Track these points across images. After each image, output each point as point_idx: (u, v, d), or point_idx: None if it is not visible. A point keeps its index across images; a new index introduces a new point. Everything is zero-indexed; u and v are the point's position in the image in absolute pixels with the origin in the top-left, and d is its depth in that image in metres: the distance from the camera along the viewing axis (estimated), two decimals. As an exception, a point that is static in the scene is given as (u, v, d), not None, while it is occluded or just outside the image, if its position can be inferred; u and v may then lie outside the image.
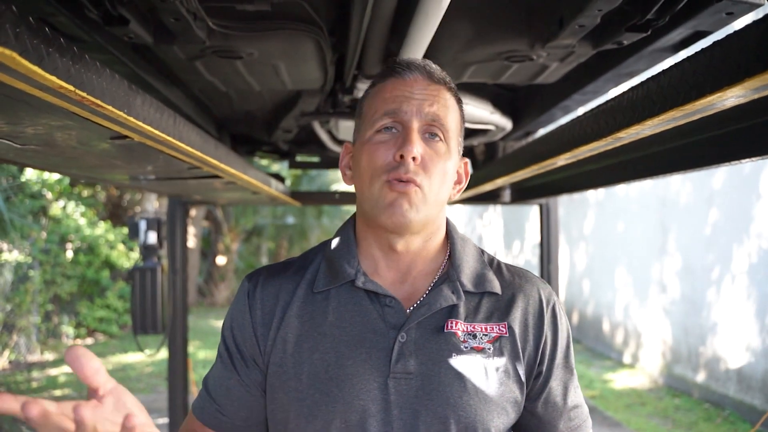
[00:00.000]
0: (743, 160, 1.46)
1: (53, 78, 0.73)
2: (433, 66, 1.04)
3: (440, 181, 1.00)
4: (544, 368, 1.04)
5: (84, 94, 0.81)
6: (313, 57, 1.69)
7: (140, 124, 1.05)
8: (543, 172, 2.20)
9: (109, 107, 0.90)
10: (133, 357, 8.54)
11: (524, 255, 11.20)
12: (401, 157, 0.96)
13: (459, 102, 1.07)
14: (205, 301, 14.45)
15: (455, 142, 1.03)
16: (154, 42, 1.39)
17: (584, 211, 9.23)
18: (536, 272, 2.72)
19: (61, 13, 1.33)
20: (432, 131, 1.00)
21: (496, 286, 1.06)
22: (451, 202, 1.09)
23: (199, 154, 1.44)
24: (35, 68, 0.69)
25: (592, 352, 8.64)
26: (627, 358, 8.02)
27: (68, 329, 9.42)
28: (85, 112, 0.91)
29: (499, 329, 1.02)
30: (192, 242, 13.06)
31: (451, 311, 1.02)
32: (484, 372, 0.99)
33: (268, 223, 15.57)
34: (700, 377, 6.44)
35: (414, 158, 0.96)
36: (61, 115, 0.95)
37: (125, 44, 1.59)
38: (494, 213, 13.11)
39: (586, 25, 1.35)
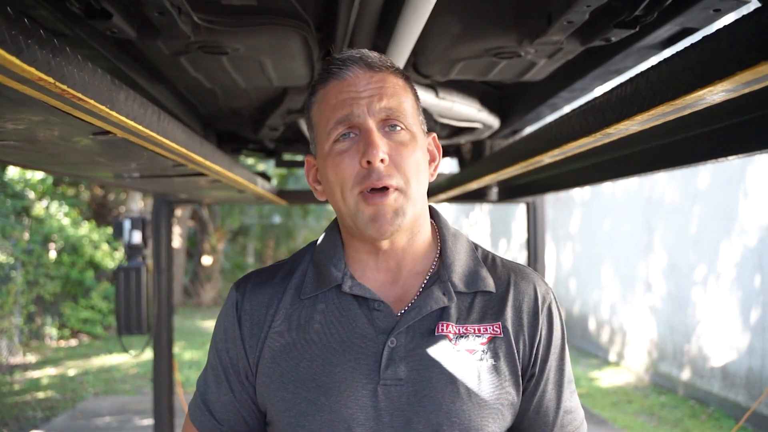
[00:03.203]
0: (729, 157, 1.47)
1: (32, 69, 0.71)
2: (371, 54, 0.98)
3: (416, 172, 0.95)
4: (537, 370, 1.00)
5: (65, 87, 0.79)
6: (300, 53, 1.67)
7: (123, 119, 1.03)
8: (530, 171, 2.20)
9: (92, 101, 0.88)
10: (117, 358, 8.46)
11: (511, 254, 11.24)
12: (368, 163, 0.92)
13: (408, 80, 1.01)
14: (191, 302, 14.36)
15: (416, 124, 0.98)
16: (137, 37, 1.36)
17: (570, 210, 9.28)
18: (524, 270, 2.71)
19: (42, 6, 1.30)
20: (390, 123, 0.95)
21: (489, 285, 1.01)
22: (437, 199, 1.06)
23: (184, 151, 1.42)
24: (13, 59, 0.66)
25: (578, 351, 8.69)
26: (613, 356, 8.07)
27: (51, 330, 9.32)
28: (66, 106, 0.89)
29: (492, 330, 0.98)
30: (177, 242, 12.96)
31: (443, 313, 0.98)
32: (477, 375, 0.95)
33: (254, 223, 15.49)
34: (685, 375, 6.50)
35: (382, 160, 0.92)
36: (41, 110, 0.92)
37: (108, 39, 1.56)
38: (481, 212, 13.14)
39: (574, 21, 1.35)
